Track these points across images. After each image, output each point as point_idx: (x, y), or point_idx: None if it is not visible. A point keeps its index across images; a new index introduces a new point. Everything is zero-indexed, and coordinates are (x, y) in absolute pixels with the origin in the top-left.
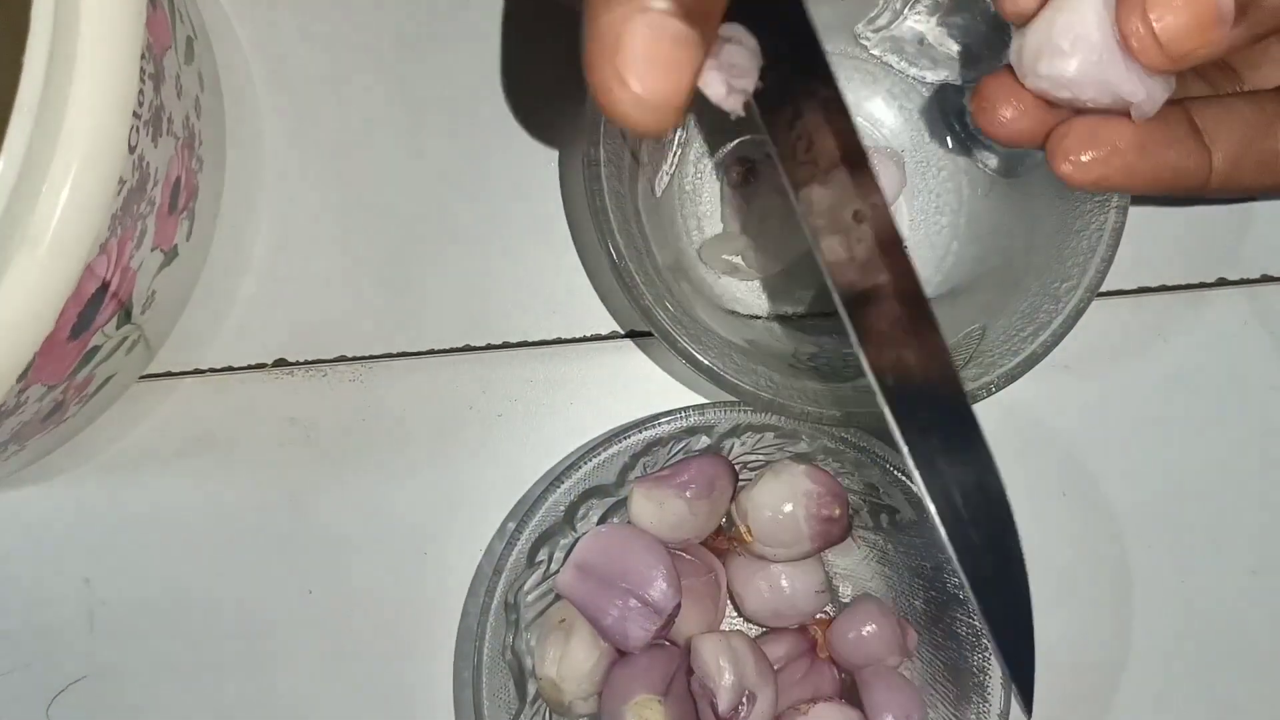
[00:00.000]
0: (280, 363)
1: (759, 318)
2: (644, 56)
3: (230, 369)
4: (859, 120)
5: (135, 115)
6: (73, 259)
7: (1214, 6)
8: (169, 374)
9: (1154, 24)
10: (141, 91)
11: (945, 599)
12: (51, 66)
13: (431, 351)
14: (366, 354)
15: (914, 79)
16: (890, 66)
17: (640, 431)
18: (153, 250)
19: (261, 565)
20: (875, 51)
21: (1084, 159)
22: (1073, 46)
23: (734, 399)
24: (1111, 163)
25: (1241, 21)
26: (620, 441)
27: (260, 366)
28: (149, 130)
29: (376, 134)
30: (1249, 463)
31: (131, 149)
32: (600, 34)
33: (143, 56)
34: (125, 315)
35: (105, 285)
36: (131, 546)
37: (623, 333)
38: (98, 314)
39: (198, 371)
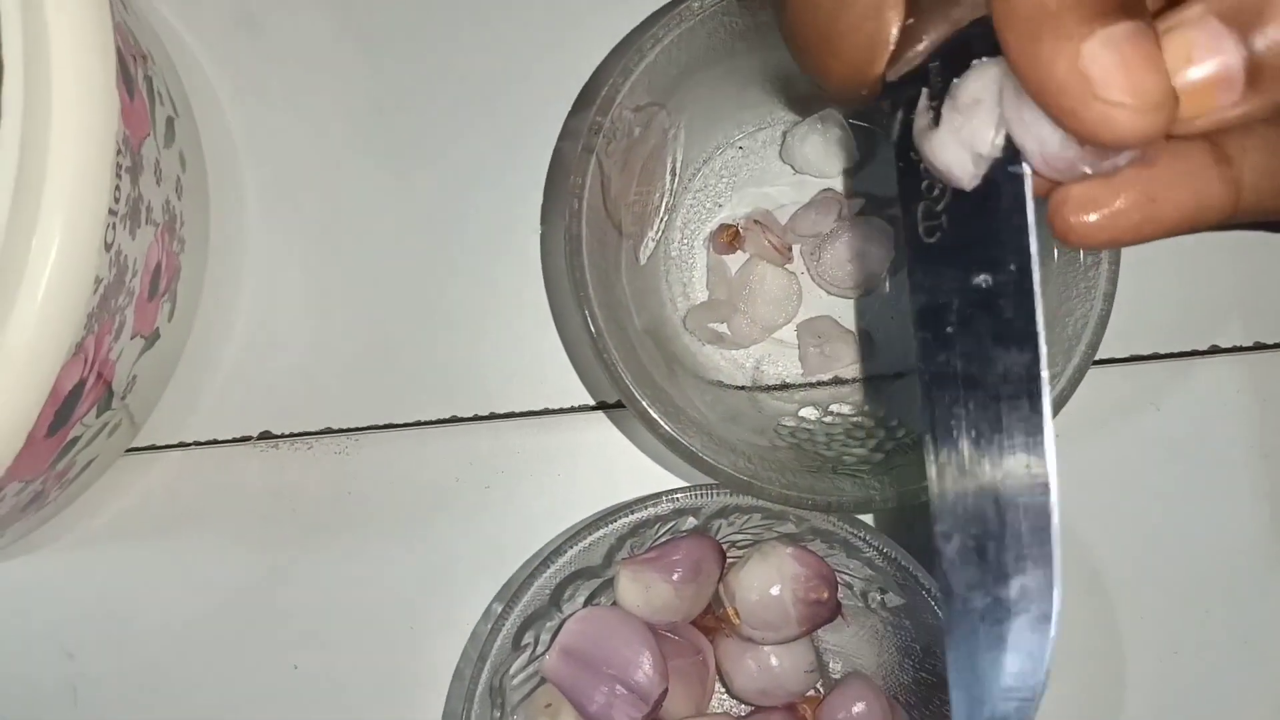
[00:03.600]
0: (265, 435)
1: (742, 388)
2: (1114, 76)
3: (215, 442)
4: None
5: (111, 213)
6: (45, 372)
7: (1217, 71)
8: (153, 447)
9: None
10: (118, 187)
11: (936, 679)
12: (21, 180)
13: (418, 423)
14: (352, 426)
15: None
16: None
17: (628, 514)
18: (133, 338)
19: (246, 640)
20: (864, 124)
21: (1088, 220)
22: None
23: (714, 481)
24: (1118, 223)
25: (1254, 94)
26: (607, 525)
27: (245, 439)
28: (126, 224)
29: (361, 204)
30: (1242, 531)
31: (108, 246)
32: (1065, 77)
33: (118, 152)
34: (106, 402)
35: (83, 381)
36: (115, 621)
37: (609, 404)
38: (76, 408)
39: (182, 445)
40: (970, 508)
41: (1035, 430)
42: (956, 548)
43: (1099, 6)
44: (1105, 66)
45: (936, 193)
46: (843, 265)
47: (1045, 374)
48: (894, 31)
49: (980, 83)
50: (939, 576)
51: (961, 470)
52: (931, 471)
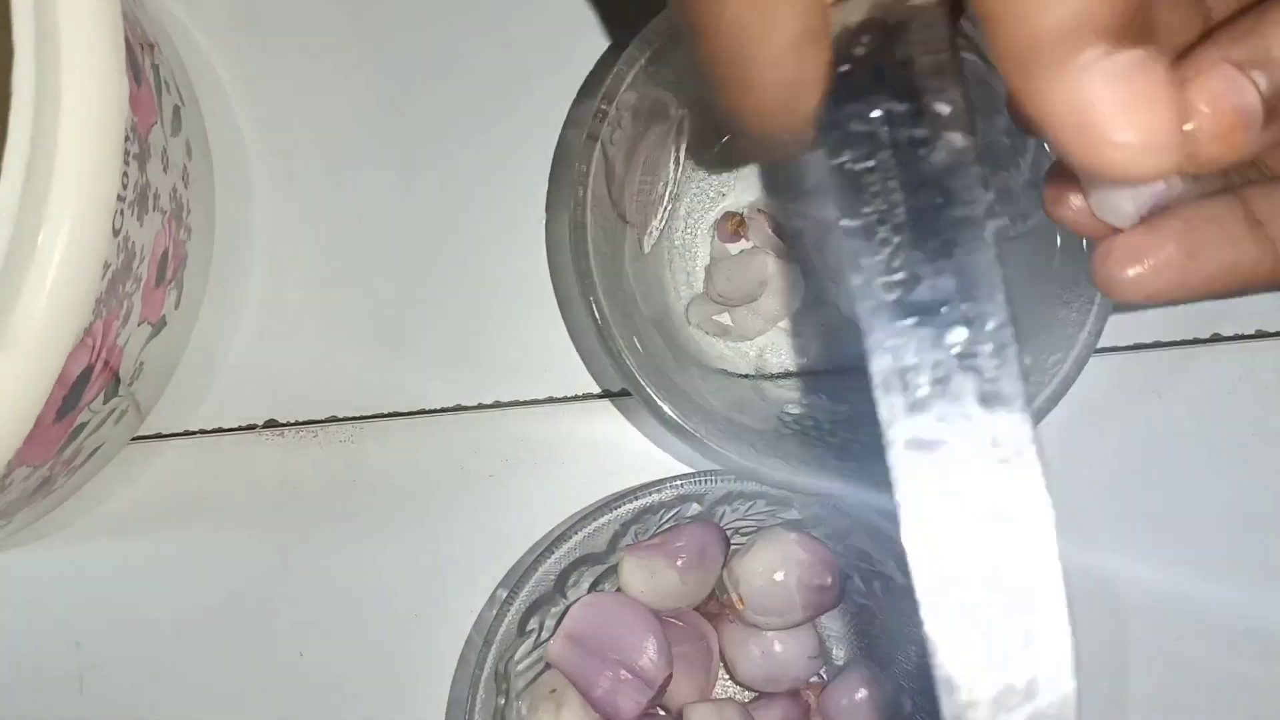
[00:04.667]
0: (271, 424)
1: (746, 376)
2: (1123, 113)
3: (220, 430)
4: None
5: (119, 198)
6: (55, 355)
7: (1237, 112)
8: (159, 435)
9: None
10: (126, 173)
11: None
12: (31, 166)
13: (423, 411)
14: (357, 414)
15: None
16: None
17: (632, 500)
18: (140, 325)
19: (252, 627)
20: None
21: (1131, 275)
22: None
23: (719, 467)
24: (1162, 276)
25: (1274, 124)
26: (612, 510)
27: (251, 428)
28: (134, 211)
29: (367, 194)
30: (1244, 519)
31: (116, 232)
32: (1064, 112)
33: (126, 138)
34: (113, 389)
35: (90, 367)
36: (122, 609)
37: (614, 392)
38: (83, 394)
39: (188, 433)
40: (975, 610)
41: (1037, 501)
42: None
43: (1100, 31)
44: (1108, 103)
45: (892, 248)
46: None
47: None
48: (819, 69)
49: None
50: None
51: (954, 574)
52: (920, 585)
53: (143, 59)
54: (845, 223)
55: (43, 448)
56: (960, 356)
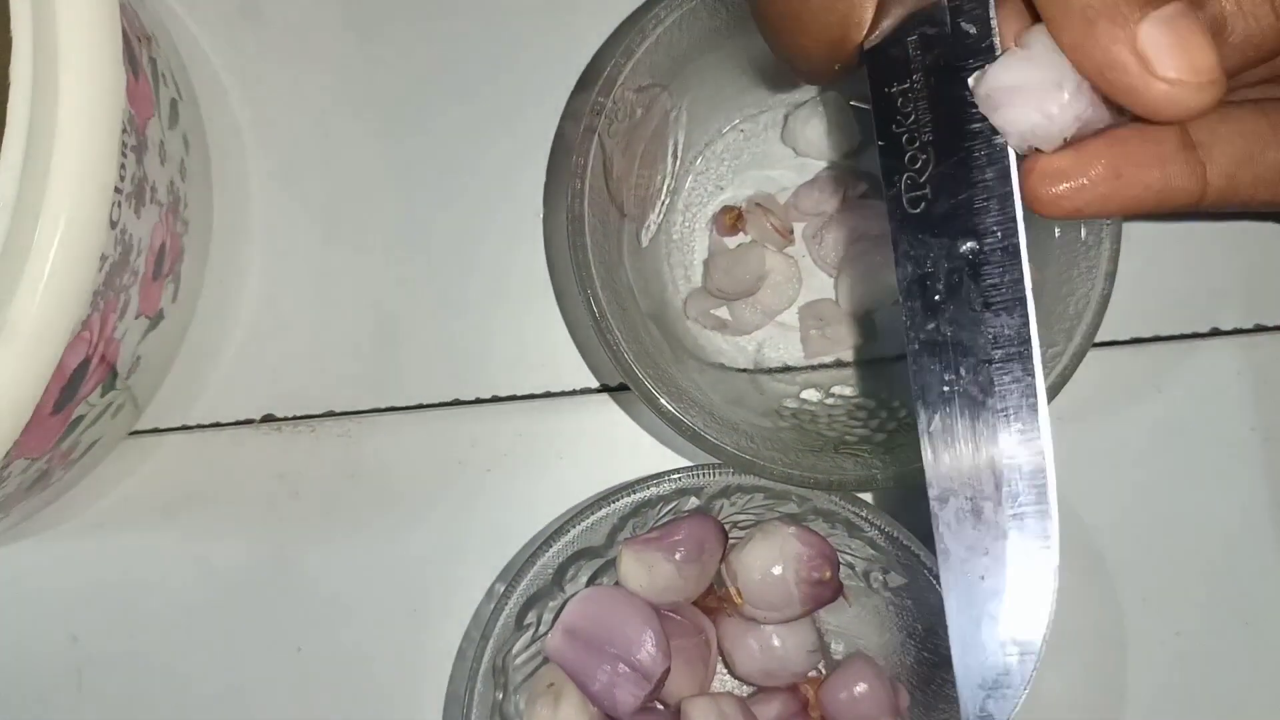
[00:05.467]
0: (268, 418)
1: (744, 370)
2: (1170, 54)
3: (218, 425)
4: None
5: (117, 190)
6: (52, 346)
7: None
8: (156, 430)
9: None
10: (123, 166)
11: (938, 659)
12: (29, 158)
13: (420, 406)
14: (355, 409)
15: None
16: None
17: (630, 494)
18: (137, 318)
19: (250, 622)
20: (865, 106)
21: (1055, 191)
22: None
23: (717, 460)
24: (1082, 195)
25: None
26: (609, 504)
27: (248, 422)
28: (131, 203)
29: (364, 187)
30: (1243, 513)
31: (113, 224)
32: (1125, 59)
33: (124, 131)
34: (110, 382)
35: (88, 359)
36: (119, 604)
37: (612, 386)
38: (80, 387)
39: (185, 428)
40: (965, 471)
41: (1029, 392)
42: (953, 511)
43: None
44: (1162, 46)
45: (919, 165)
46: (844, 247)
47: (1035, 337)
48: (869, 8)
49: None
50: (936, 539)
51: (954, 435)
52: (924, 438)
53: (140, 51)
54: (880, 141)
55: (40, 440)
56: (970, 264)
